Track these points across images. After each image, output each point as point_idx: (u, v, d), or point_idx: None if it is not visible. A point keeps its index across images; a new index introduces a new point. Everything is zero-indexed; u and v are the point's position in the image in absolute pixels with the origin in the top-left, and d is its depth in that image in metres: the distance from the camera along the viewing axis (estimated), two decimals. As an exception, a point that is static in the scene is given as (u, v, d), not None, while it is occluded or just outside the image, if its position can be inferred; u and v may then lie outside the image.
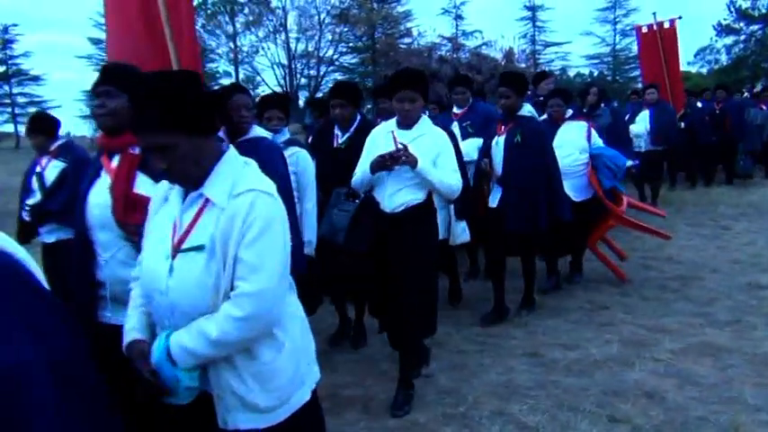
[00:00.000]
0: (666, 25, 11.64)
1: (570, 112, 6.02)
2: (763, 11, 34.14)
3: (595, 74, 37.25)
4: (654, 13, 12.02)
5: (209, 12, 34.39)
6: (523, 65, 25.30)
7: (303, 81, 34.73)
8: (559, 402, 3.72)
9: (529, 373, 4.14)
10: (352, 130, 4.64)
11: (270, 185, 1.86)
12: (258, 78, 35.22)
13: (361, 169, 3.84)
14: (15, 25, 40.61)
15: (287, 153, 4.07)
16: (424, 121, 3.83)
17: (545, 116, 6.06)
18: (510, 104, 4.97)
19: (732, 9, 35.12)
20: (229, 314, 1.74)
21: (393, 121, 3.89)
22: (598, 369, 4.15)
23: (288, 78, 33.75)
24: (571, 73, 37.92)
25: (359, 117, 4.72)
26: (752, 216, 8.84)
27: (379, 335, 4.85)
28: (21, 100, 41.26)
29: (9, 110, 41.10)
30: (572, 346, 4.55)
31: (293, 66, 33.80)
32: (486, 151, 5.22)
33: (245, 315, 1.74)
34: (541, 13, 35.17)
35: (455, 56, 25.47)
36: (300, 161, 4.22)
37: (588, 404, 3.67)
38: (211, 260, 1.76)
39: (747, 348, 4.31)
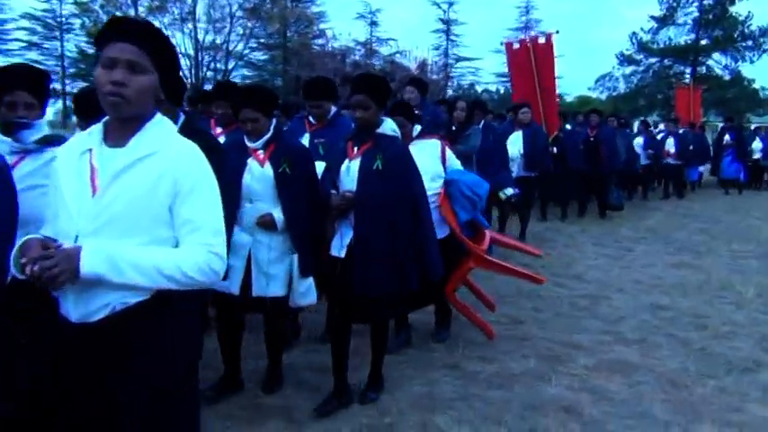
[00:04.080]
0: (542, 40, 10.39)
1: (418, 128, 4.71)
2: (662, 45, 36.43)
3: (501, 91, 38.52)
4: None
5: (109, -9, 32.79)
6: (435, 76, 25.78)
7: (210, 74, 33.75)
8: (482, 415, 3.76)
9: (451, 386, 4.17)
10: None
11: None
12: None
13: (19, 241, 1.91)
14: None
15: (40, 160, 2.60)
16: (156, 129, 1.96)
17: None
18: (367, 118, 3.69)
19: (634, 41, 37.30)
20: None
21: (96, 129, 1.97)
22: (517, 382, 4.23)
23: (194, 70, 32.72)
24: (479, 88, 39.03)
25: None
26: (650, 240, 9.36)
27: (295, 340, 4.76)
28: None
29: None
30: (491, 359, 4.62)
31: (200, 57, 32.80)
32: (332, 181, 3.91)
33: None
34: (455, 28, 35.99)
35: (369, 61, 25.61)
36: None
37: (510, 417, 3.73)
38: None
39: (654, 366, 4.53)
